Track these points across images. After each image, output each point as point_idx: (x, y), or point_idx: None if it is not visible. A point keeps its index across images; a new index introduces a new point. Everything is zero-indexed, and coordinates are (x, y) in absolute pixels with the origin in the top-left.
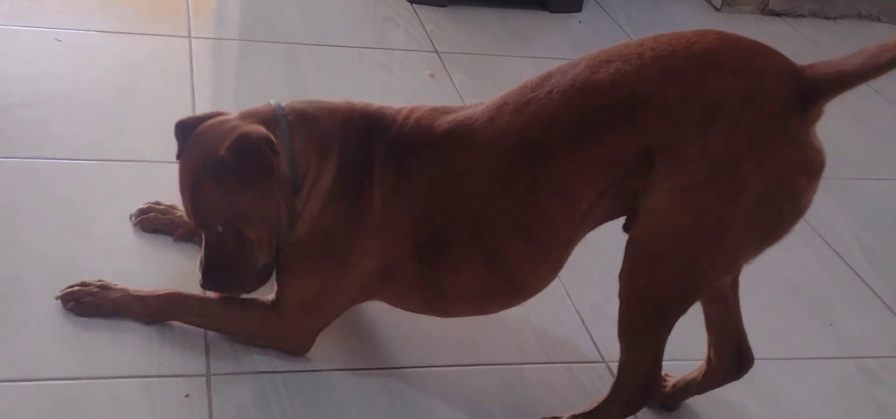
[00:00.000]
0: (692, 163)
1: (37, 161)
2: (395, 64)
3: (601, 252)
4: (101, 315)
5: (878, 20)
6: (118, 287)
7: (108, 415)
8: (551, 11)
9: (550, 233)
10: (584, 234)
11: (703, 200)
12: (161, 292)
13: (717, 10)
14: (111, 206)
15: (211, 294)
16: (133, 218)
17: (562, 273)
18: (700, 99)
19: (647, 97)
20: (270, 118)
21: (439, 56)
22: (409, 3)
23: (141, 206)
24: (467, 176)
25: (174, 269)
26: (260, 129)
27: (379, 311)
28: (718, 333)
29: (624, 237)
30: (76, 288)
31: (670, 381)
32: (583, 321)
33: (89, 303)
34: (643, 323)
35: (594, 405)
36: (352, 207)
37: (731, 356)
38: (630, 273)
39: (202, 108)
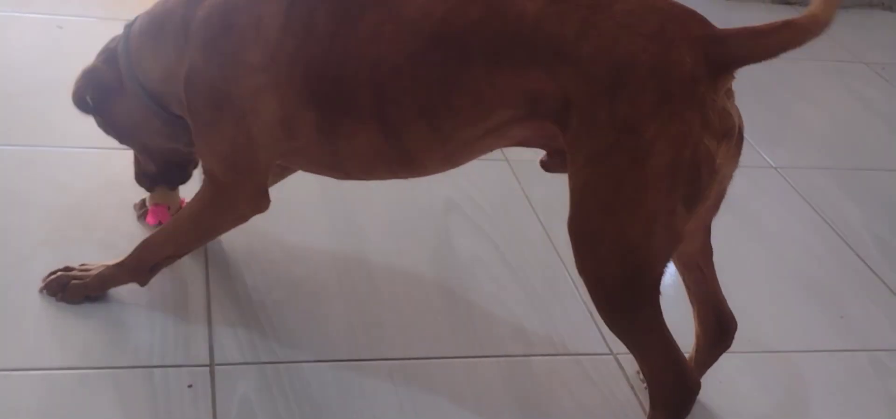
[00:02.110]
0: (601, 128)
1: (38, 149)
2: None
3: None
4: (90, 294)
5: (890, 9)
6: (97, 264)
7: (111, 406)
8: None
9: (454, 127)
10: (492, 147)
11: (615, 167)
12: (132, 253)
13: None
14: (112, 195)
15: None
16: (137, 208)
17: (567, 265)
18: (611, 60)
19: (566, 48)
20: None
21: None
22: None
23: (144, 197)
24: (377, 41)
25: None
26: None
27: (384, 302)
28: (699, 303)
29: None
30: (59, 273)
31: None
32: (590, 313)
33: (76, 287)
34: (618, 315)
35: None
36: (232, 47)
37: (714, 323)
38: (579, 261)
39: None
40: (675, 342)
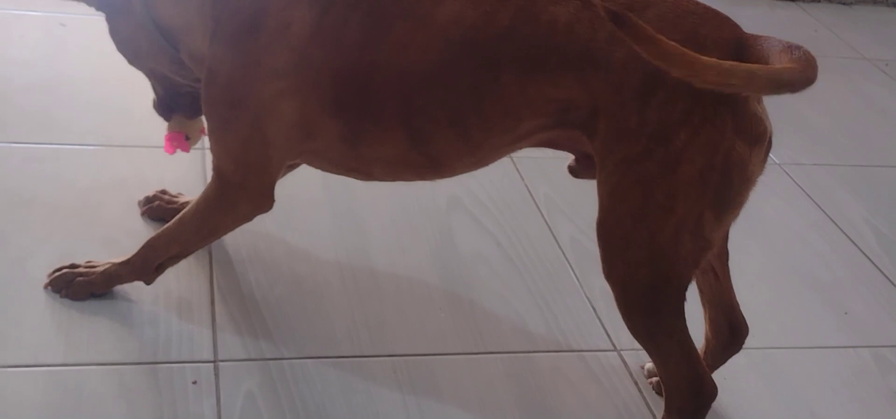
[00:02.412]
0: (632, 135)
1: (42, 146)
2: None
3: None
4: (95, 291)
5: (895, 6)
6: (103, 262)
7: (115, 402)
8: None
9: (485, 135)
10: (520, 148)
11: (646, 174)
12: (138, 252)
13: None
14: (117, 193)
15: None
16: (141, 205)
17: (571, 262)
18: (643, 66)
19: (597, 54)
20: None
21: None
22: None
23: (147, 194)
24: (407, 52)
25: None
26: None
27: (387, 298)
28: (712, 307)
29: None
30: (65, 269)
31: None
32: (594, 309)
33: (81, 285)
34: (643, 319)
35: None
36: (258, 48)
37: (725, 328)
38: (607, 265)
39: None
40: (695, 349)
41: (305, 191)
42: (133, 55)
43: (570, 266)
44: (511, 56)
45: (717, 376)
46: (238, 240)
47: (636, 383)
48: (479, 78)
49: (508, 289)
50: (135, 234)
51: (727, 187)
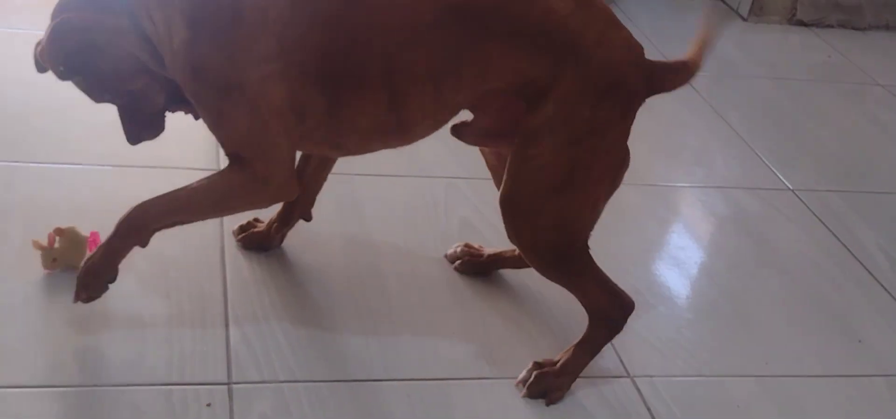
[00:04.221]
0: (578, 123)
1: (56, 167)
2: None
3: (622, 261)
4: (105, 274)
5: None
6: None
7: None
8: None
9: (453, 94)
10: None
11: (579, 155)
12: (124, 216)
13: (744, 19)
14: None
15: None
16: (235, 234)
17: None
18: (611, 72)
19: (582, 50)
20: None
21: None
22: None
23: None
24: (391, 10)
25: (197, 270)
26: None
27: (400, 322)
28: None
29: (646, 245)
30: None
31: (486, 252)
32: None
33: (90, 279)
34: (552, 270)
35: (581, 338)
36: (241, 39)
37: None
38: (514, 231)
39: None
40: (604, 274)
41: (318, 211)
42: (113, 81)
43: None
44: (501, 28)
45: (731, 405)
46: (252, 261)
47: (649, 409)
48: (465, 42)
49: (522, 314)
50: (152, 257)
51: (617, 177)
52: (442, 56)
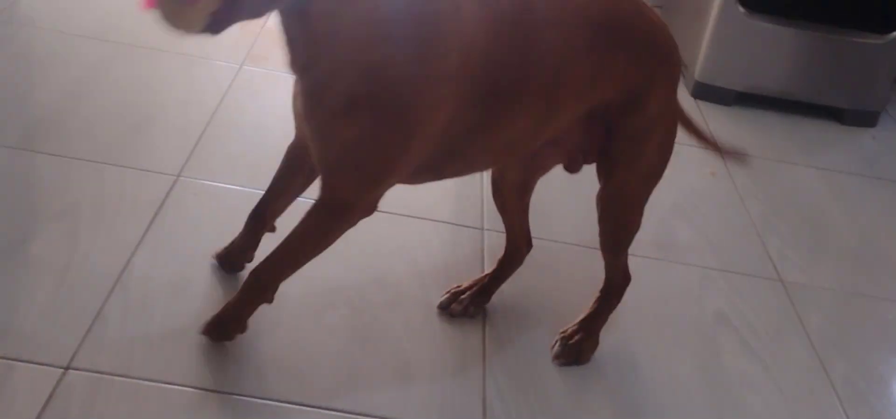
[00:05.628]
0: (672, 113)
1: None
2: (678, 157)
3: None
4: (235, 330)
5: None
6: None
7: None
8: (843, 124)
9: (575, 106)
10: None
11: (670, 143)
12: (247, 281)
13: None
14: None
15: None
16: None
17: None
18: (677, 70)
19: (671, 55)
20: None
21: (722, 156)
22: (693, 99)
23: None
24: (552, 27)
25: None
26: None
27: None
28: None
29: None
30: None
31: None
32: None
33: (220, 331)
34: (623, 251)
35: (592, 308)
36: (421, 53)
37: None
38: (615, 225)
39: None
40: None
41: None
42: None
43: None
44: (626, 40)
45: None
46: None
47: None
48: (605, 56)
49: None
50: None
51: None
52: (587, 69)
